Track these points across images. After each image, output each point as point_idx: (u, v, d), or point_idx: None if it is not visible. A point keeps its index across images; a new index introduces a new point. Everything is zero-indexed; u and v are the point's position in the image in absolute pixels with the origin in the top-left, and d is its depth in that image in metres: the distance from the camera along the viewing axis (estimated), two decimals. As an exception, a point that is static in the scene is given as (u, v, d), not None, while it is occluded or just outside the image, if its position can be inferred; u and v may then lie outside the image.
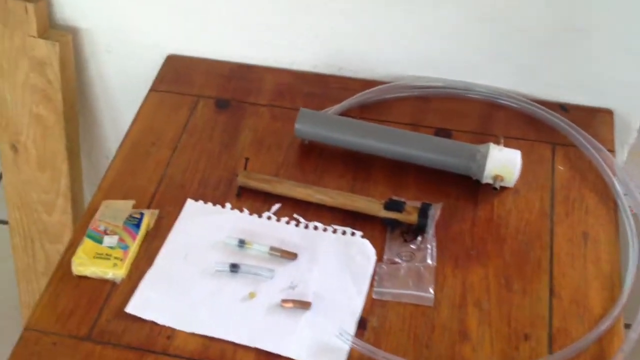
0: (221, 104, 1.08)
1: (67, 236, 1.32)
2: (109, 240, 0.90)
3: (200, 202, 0.95)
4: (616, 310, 0.81)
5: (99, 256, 0.89)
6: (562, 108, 1.03)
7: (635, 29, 0.97)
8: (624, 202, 0.91)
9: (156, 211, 0.94)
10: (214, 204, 0.95)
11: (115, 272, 0.88)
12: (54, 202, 1.31)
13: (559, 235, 0.89)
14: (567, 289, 0.84)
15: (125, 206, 0.95)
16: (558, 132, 1.00)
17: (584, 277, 0.85)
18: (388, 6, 1.03)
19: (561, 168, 0.96)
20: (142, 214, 0.93)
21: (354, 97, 1.04)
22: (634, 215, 0.90)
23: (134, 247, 0.90)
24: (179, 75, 1.13)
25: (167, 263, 0.89)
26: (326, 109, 1.04)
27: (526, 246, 0.89)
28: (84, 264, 0.88)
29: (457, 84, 1.05)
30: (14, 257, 1.41)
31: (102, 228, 0.92)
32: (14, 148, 1.28)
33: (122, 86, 1.25)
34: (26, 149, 1.27)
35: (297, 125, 0.98)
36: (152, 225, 0.93)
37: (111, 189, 0.98)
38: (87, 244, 0.90)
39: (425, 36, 1.04)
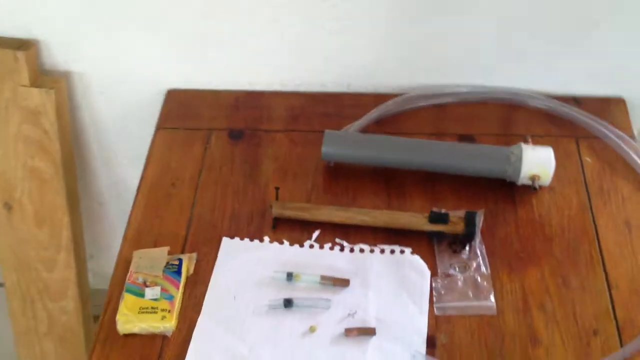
0: (235, 135, 1.05)
1: (71, 291, 1.27)
2: (152, 292, 0.86)
3: (237, 239, 0.92)
4: (676, 294, 0.82)
5: (144, 310, 0.85)
6: (576, 100, 1.05)
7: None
8: (658, 186, 0.93)
9: (194, 254, 0.91)
10: (251, 240, 0.92)
11: (165, 324, 0.84)
12: (54, 258, 1.25)
13: (602, 227, 0.90)
14: (624, 279, 0.85)
15: (160, 254, 0.91)
16: (578, 125, 1.01)
17: (637, 265, 0.86)
18: (390, 17, 1.02)
19: (589, 160, 0.98)
20: (180, 260, 0.89)
21: (372, 112, 1.03)
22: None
23: (178, 295, 0.86)
24: (184, 110, 1.09)
25: (216, 307, 0.86)
26: (345, 128, 1.02)
27: (574, 242, 0.89)
28: (131, 321, 0.84)
29: (473, 89, 1.05)
30: (12, 321, 1.33)
31: (140, 280, 0.87)
32: (7, 206, 1.21)
33: (115, 127, 1.20)
34: (21, 206, 1.20)
35: (324, 149, 0.96)
36: (192, 270, 0.90)
37: (138, 238, 0.93)
38: (128, 299, 0.86)
39: (432, 43, 1.04)
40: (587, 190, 0.94)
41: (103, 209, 1.34)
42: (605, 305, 0.83)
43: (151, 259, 0.90)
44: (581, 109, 1.02)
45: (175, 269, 0.89)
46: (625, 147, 0.96)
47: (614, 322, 0.82)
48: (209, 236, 0.93)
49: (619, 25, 1.00)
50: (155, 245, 0.92)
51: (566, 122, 1.02)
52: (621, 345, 0.79)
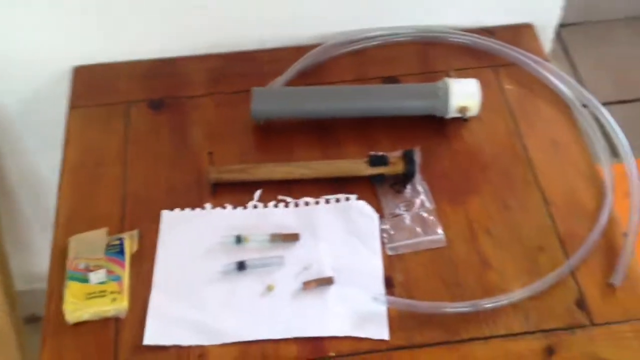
0: (155, 105, 1.01)
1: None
2: (97, 277, 0.82)
3: (177, 210, 0.89)
4: (608, 202, 0.86)
5: (92, 295, 0.81)
6: (488, 31, 1.07)
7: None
8: (576, 103, 0.97)
9: (135, 232, 0.87)
10: (192, 209, 0.89)
11: (117, 306, 0.80)
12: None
13: (531, 148, 0.94)
14: (558, 195, 0.89)
15: (98, 236, 0.86)
16: (494, 55, 1.03)
17: (568, 180, 0.90)
18: None
19: (509, 87, 1.00)
20: (121, 239, 0.86)
21: (294, 65, 1.01)
22: (588, 110, 0.96)
23: (125, 275, 0.83)
24: (96, 86, 1.04)
25: (167, 281, 0.83)
26: (269, 84, 1.00)
27: (507, 166, 0.92)
28: (79, 309, 0.80)
29: (389, 31, 1.05)
30: None
31: (82, 266, 0.83)
32: None
33: (19, 113, 1.13)
34: None
35: (253, 107, 0.94)
36: (135, 247, 0.86)
37: (71, 223, 0.89)
38: (72, 286, 0.82)
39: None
40: (512, 116, 0.97)
41: (14, 204, 1.26)
42: (545, 222, 0.87)
43: (90, 243, 0.86)
44: (494, 39, 1.05)
45: (118, 249, 0.85)
46: (542, 71, 1.00)
47: (556, 236, 0.85)
48: (147, 211, 0.89)
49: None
50: (91, 228, 0.88)
51: (482, 53, 1.04)
52: (567, 258, 0.83)
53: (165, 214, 0.89)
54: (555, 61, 2.05)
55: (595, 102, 0.96)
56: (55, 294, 0.82)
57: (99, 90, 1.03)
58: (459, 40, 1.05)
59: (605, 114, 0.94)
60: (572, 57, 2.11)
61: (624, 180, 0.89)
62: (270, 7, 1.04)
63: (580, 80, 2.04)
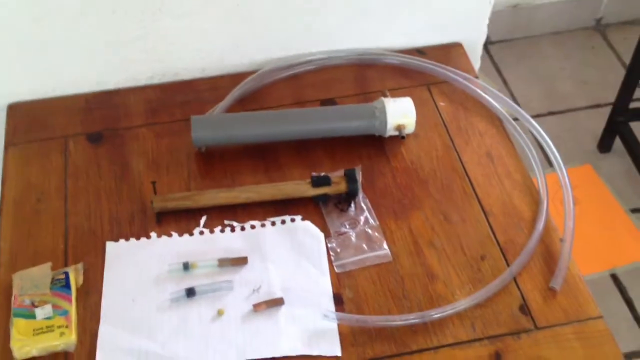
0: (94, 138, 1.00)
1: None
2: (43, 312, 0.81)
3: (122, 241, 0.89)
4: (543, 210, 0.90)
5: (40, 331, 0.80)
6: (419, 52, 1.11)
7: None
8: (507, 116, 1.01)
9: (80, 265, 0.86)
10: (137, 239, 0.89)
11: (66, 341, 0.79)
12: None
13: (468, 162, 0.97)
14: (496, 206, 0.92)
15: (42, 271, 0.85)
16: (427, 73, 1.07)
17: (505, 191, 0.93)
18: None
19: (442, 104, 1.04)
20: (66, 273, 0.85)
21: (233, 91, 1.02)
22: (518, 122, 1.00)
23: (72, 309, 0.82)
24: (32, 122, 1.02)
25: (115, 312, 0.83)
26: (209, 112, 1.01)
27: (446, 180, 0.95)
28: (27, 345, 0.79)
29: (325, 54, 1.07)
30: None
31: (27, 302, 0.82)
32: None
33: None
34: None
35: (193, 134, 0.94)
36: (80, 281, 0.85)
37: (14, 261, 0.87)
38: (18, 323, 0.80)
39: (277, 16, 1.04)
40: (447, 132, 1.00)
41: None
42: (486, 232, 0.90)
43: (34, 279, 0.84)
44: (426, 59, 1.08)
45: (63, 284, 0.84)
46: (472, 87, 1.03)
47: (496, 245, 0.88)
48: (91, 244, 0.89)
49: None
50: (35, 264, 0.86)
51: (415, 72, 1.07)
52: (507, 265, 0.86)
53: (110, 245, 0.88)
54: (487, 77, 2.13)
55: (525, 114, 0.99)
56: (2, 332, 0.81)
57: (35, 127, 1.02)
58: (393, 61, 1.08)
59: (536, 126, 0.98)
60: (503, 73, 2.18)
61: (558, 190, 0.93)
62: (207, 36, 1.05)
63: (512, 95, 2.12)
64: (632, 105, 1.89)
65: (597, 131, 1.97)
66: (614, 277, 1.71)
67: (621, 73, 1.84)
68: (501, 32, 2.25)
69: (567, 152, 1.97)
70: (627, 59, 1.80)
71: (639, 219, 1.81)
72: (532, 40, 2.27)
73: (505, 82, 2.16)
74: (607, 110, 1.94)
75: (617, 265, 1.72)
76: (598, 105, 2.08)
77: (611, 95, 1.91)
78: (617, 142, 1.95)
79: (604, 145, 1.96)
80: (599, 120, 1.97)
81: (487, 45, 2.25)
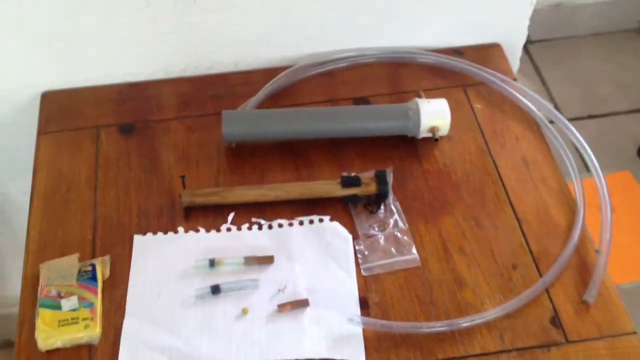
0: (125, 129, 1.00)
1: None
2: (69, 303, 0.81)
3: (149, 235, 0.88)
4: (579, 219, 0.87)
5: (65, 323, 0.80)
6: (457, 52, 1.08)
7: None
8: (545, 120, 0.98)
9: (107, 257, 0.86)
10: (165, 233, 0.88)
11: (90, 333, 0.79)
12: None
13: (502, 167, 0.94)
14: (530, 213, 0.90)
15: (70, 262, 0.85)
16: (463, 74, 1.04)
17: (540, 198, 0.91)
18: None
19: (479, 106, 1.01)
20: (93, 265, 0.85)
21: (265, 87, 1.01)
22: (555, 126, 0.97)
23: (98, 301, 0.82)
24: (65, 111, 1.02)
25: (140, 306, 0.82)
26: (240, 107, 1.00)
27: (479, 184, 0.93)
28: (52, 336, 0.79)
29: (358, 52, 1.06)
30: None
31: (54, 293, 0.82)
32: None
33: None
34: None
35: (224, 130, 0.93)
36: (107, 273, 0.85)
37: (42, 250, 0.87)
38: (44, 314, 0.80)
39: (311, 11, 1.03)
40: (482, 135, 0.98)
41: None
42: (518, 240, 0.87)
43: (61, 269, 0.84)
44: (463, 59, 1.06)
45: (90, 275, 0.84)
46: (510, 89, 1.01)
47: (529, 254, 0.86)
48: (119, 236, 0.88)
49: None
50: (63, 254, 0.86)
51: (452, 73, 1.05)
52: (540, 275, 0.84)
53: (137, 239, 0.88)
54: (525, 78, 2.10)
55: (562, 119, 0.97)
56: (27, 322, 0.81)
57: (68, 116, 1.02)
58: (428, 60, 1.05)
59: (573, 130, 0.95)
60: (542, 73, 2.14)
61: (595, 194, 0.90)
62: (241, 30, 1.04)
63: (550, 96, 2.08)
64: (675, 111, 1.84)
65: (637, 136, 1.92)
66: (650, 287, 1.67)
67: (664, 77, 1.80)
68: (541, 32, 2.21)
69: (605, 157, 1.93)
70: (671, 63, 1.76)
71: (677, 229, 1.77)
72: (572, 41, 2.22)
73: (544, 82, 2.12)
74: (647, 115, 1.90)
75: (653, 275, 1.68)
76: (639, 110, 2.03)
77: (653, 100, 1.87)
78: (658, 149, 1.90)
79: (644, 151, 1.92)
80: (639, 126, 1.92)
81: (526, 45, 2.20)
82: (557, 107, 2.05)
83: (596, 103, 2.06)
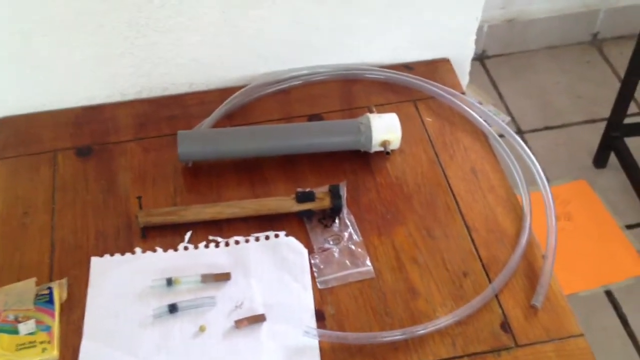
0: (83, 152, 1.01)
1: None
2: (26, 327, 0.82)
3: (107, 256, 0.89)
4: (526, 226, 0.90)
5: (23, 347, 0.80)
6: (407, 67, 1.11)
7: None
8: (492, 132, 1.01)
9: (64, 280, 0.86)
10: (122, 254, 0.89)
11: (48, 356, 0.80)
12: None
13: (452, 177, 0.97)
14: (480, 221, 0.92)
15: (26, 286, 0.86)
16: (413, 89, 1.07)
17: (488, 206, 0.94)
18: (220, 9, 1.01)
19: (429, 119, 1.04)
20: (50, 288, 0.85)
21: (221, 106, 1.03)
22: (504, 139, 1.00)
23: (55, 324, 0.82)
24: (22, 136, 1.03)
25: (98, 328, 0.83)
26: (196, 127, 1.02)
27: (430, 195, 0.95)
28: (10, 360, 0.79)
29: (312, 70, 1.08)
30: None
31: (11, 317, 0.82)
32: None
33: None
34: None
35: (180, 150, 0.95)
36: (64, 296, 0.86)
37: (-1, 275, 0.88)
38: (2, 339, 0.81)
39: (264, 31, 1.05)
40: (433, 147, 1.01)
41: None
42: (468, 248, 0.90)
43: (18, 294, 0.85)
44: (413, 74, 1.09)
45: (47, 299, 0.84)
46: (458, 103, 1.04)
47: (479, 261, 0.88)
48: (76, 259, 0.89)
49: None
50: (20, 279, 0.87)
51: (402, 88, 1.08)
52: (489, 282, 0.86)
53: (95, 261, 0.89)
54: (483, 91, 2.14)
55: (509, 131, 1.00)
56: (-15, 348, 0.82)
57: (25, 141, 1.03)
58: (379, 76, 1.08)
59: (520, 142, 0.98)
60: (499, 87, 2.19)
61: (542, 205, 0.93)
62: (194, 50, 1.06)
63: (507, 109, 2.12)
64: (627, 120, 1.89)
65: (593, 146, 1.97)
66: (608, 293, 1.71)
67: (617, 88, 1.84)
68: (497, 47, 2.26)
69: (562, 167, 1.98)
70: (623, 74, 1.81)
71: (634, 235, 1.81)
72: (527, 55, 2.27)
73: (501, 96, 2.16)
74: (602, 125, 1.94)
75: (612, 282, 1.72)
76: (593, 120, 2.09)
77: (606, 110, 1.91)
78: (613, 157, 1.95)
79: (599, 160, 1.96)
80: (594, 135, 1.97)
81: (483, 60, 2.26)
82: (514, 120, 2.10)
83: (552, 114, 2.12)
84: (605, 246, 1.78)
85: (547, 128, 2.09)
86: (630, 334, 1.63)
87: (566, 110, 2.13)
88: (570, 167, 1.97)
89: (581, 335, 0.81)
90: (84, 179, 0.98)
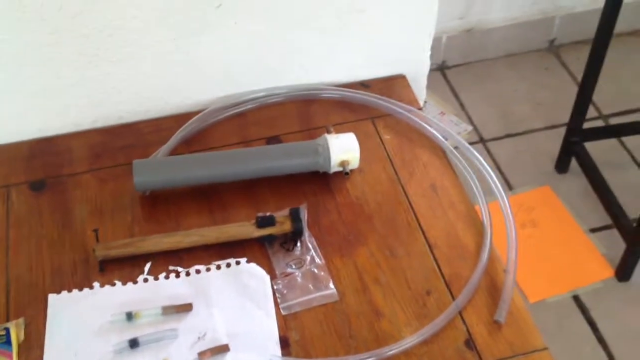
0: (36, 186, 0.99)
1: None
2: (-18, 371, 0.80)
3: (64, 293, 0.87)
4: (487, 241, 0.90)
5: (-22, 392, 0.78)
6: (364, 85, 1.11)
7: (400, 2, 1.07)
8: (450, 147, 1.01)
9: (21, 320, 0.84)
10: (80, 289, 0.87)
11: (5, 400, 0.78)
12: None
13: (412, 194, 0.97)
14: (441, 238, 0.92)
15: (-18, 328, 0.84)
16: (370, 107, 1.07)
17: (449, 222, 0.94)
18: (169, 37, 1.00)
19: (387, 137, 1.04)
20: (7, 329, 0.83)
21: (177, 133, 1.02)
22: (460, 152, 1.00)
23: (13, 366, 0.80)
24: (-27, 172, 1.01)
25: (58, 368, 0.81)
26: (153, 155, 1.00)
27: (391, 214, 0.95)
28: (-35, 407, 0.77)
29: (268, 92, 1.08)
30: None
31: (-34, 361, 0.80)
32: None
33: None
34: None
35: (135, 179, 0.93)
36: (22, 336, 0.83)
37: (-47, 317, 0.86)
38: (-44, 384, 0.79)
39: (217, 55, 1.04)
40: (392, 165, 1.00)
41: None
42: (431, 265, 0.90)
43: (-27, 337, 0.83)
44: (370, 92, 1.09)
45: (4, 340, 0.82)
46: (415, 119, 1.04)
47: (441, 279, 0.88)
48: (32, 297, 0.87)
49: (382, 10, 1.06)
50: (-27, 321, 0.85)
51: (359, 106, 1.08)
52: (453, 299, 0.86)
53: (52, 298, 0.87)
54: (444, 101, 2.15)
55: (465, 144, 1.00)
56: (-61, 395, 0.79)
57: (-25, 177, 1.01)
58: (336, 95, 1.08)
59: (476, 155, 0.98)
60: (460, 96, 2.21)
61: (516, 211, 0.93)
62: (148, 79, 1.04)
63: (469, 118, 2.14)
64: (586, 125, 1.92)
65: (554, 152, 1.99)
66: (576, 298, 1.72)
67: (575, 93, 1.87)
68: (456, 57, 2.28)
69: (525, 174, 2.00)
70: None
71: (598, 238, 1.83)
72: (487, 64, 2.30)
73: (462, 105, 2.18)
74: (562, 131, 1.96)
75: (579, 286, 1.73)
76: (554, 126, 2.11)
77: (566, 116, 1.93)
78: (574, 162, 1.97)
79: (561, 165, 1.99)
80: (555, 141, 2.00)
81: (443, 70, 2.28)
82: (475, 129, 2.12)
83: (513, 122, 2.14)
84: (571, 251, 1.80)
85: (508, 135, 2.11)
86: (599, 338, 1.64)
87: (527, 117, 2.15)
88: (533, 173, 1.99)
89: (545, 349, 0.81)
90: (38, 213, 0.96)
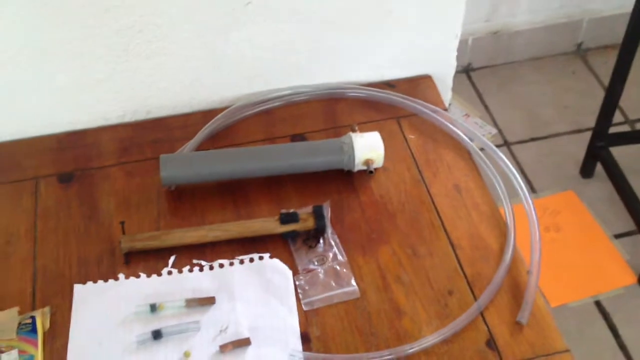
0: (65, 178, 1.00)
1: None
2: (9, 358, 0.81)
3: (89, 284, 0.89)
4: (510, 242, 0.90)
5: (5, 378, 0.80)
6: (389, 85, 1.12)
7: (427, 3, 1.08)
8: (475, 148, 1.01)
9: (47, 309, 0.86)
10: (105, 281, 0.89)
11: (31, 387, 0.79)
12: None
13: (436, 195, 0.97)
14: (464, 238, 0.92)
15: (9, 316, 0.85)
16: (396, 106, 1.07)
17: (472, 223, 0.94)
18: (198, 33, 1.01)
19: (412, 137, 1.04)
20: (33, 318, 0.84)
21: (203, 129, 1.03)
22: (485, 153, 1.00)
23: (39, 354, 0.82)
24: (3, 164, 1.02)
25: (82, 356, 0.82)
26: (179, 150, 1.02)
27: (415, 213, 0.95)
28: (-8, 392, 0.79)
29: (295, 90, 1.08)
30: None
31: (-6, 348, 0.82)
32: None
33: None
34: None
35: (162, 174, 0.94)
36: (47, 325, 0.85)
37: (-19, 305, 0.87)
38: (-16, 370, 0.80)
39: (246, 52, 1.05)
40: (416, 164, 1.01)
41: None
42: (453, 266, 0.90)
43: (1, 324, 0.84)
44: (395, 92, 1.09)
45: (30, 328, 0.83)
46: (440, 119, 1.04)
47: (464, 279, 0.88)
48: (59, 287, 0.88)
49: (409, 11, 1.07)
50: (2, 308, 0.86)
51: (385, 105, 1.08)
52: (475, 299, 0.86)
53: (78, 288, 0.88)
54: (469, 104, 2.15)
55: (491, 146, 1.00)
56: (-32, 380, 0.81)
57: (7, 169, 1.02)
58: (361, 94, 1.08)
59: (502, 157, 0.98)
60: (485, 99, 2.20)
61: (540, 215, 0.93)
62: (177, 74, 1.06)
63: (494, 121, 2.13)
64: (612, 129, 1.90)
65: (579, 156, 1.98)
66: (598, 304, 1.71)
67: (602, 97, 1.85)
68: (482, 59, 2.27)
69: (549, 178, 1.98)
70: (607, 83, 1.82)
71: (622, 245, 1.82)
72: (513, 66, 2.28)
73: (487, 108, 2.17)
74: (588, 135, 1.94)
75: (601, 292, 1.72)
76: (579, 130, 2.10)
77: (592, 120, 1.92)
78: (599, 167, 1.96)
79: (586, 170, 1.97)
80: (580, 145, 1.98)
81: (468, 72, 2.27)
82: (500, 132, 2.11)
83: (538, 125, 2.12)
84: (594, 256, 1.79)
85: (533, 139, 2.09)
86: (621, 344, 1.63)
87: (552, 121, 2.14)
88: (557, 177, 1.98)
89: (567, 350, 0.81)
90: (67, 205, 0.97)
